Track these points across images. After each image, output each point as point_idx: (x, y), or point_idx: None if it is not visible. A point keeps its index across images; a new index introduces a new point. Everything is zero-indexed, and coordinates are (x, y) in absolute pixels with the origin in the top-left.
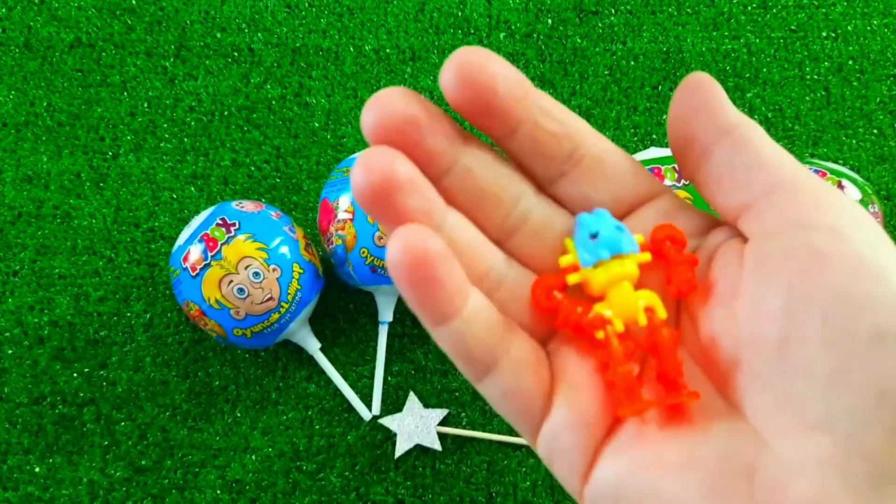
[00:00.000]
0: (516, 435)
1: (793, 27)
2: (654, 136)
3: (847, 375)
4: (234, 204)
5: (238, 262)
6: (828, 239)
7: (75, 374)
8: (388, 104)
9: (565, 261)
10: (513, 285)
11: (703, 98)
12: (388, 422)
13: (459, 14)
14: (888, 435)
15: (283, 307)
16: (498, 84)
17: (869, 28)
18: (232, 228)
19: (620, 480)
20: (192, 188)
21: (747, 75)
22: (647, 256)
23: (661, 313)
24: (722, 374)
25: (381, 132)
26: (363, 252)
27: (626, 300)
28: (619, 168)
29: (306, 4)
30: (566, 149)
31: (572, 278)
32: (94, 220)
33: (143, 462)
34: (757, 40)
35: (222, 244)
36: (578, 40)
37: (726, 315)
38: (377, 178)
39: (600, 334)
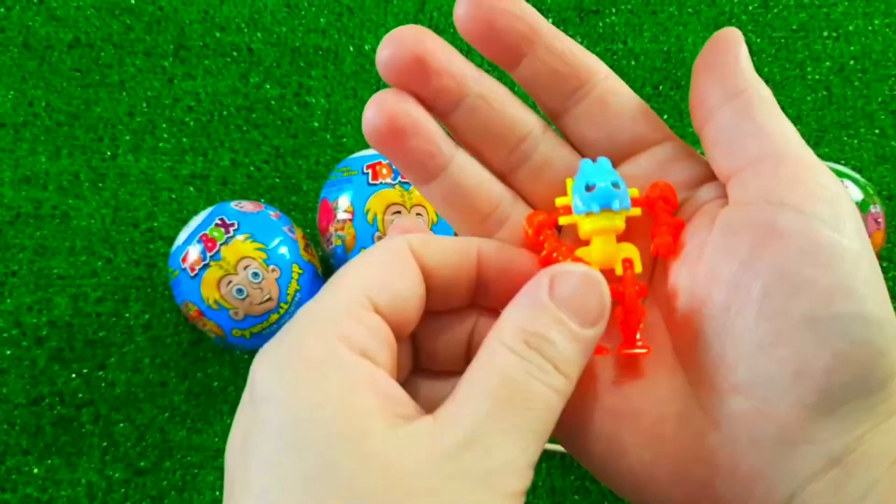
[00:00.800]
0: None
1: (794, 27)
2: None
3: (772, 349)
4: (233, 204)
5: (237, 262)
6: (790, 218)
7: (74, 375)
8: (401, 42)
9: (561, 201)
10: (514, 224)
11: (719, 58)
12: None
13: None
14: (798, 406)
15: (282, 308)
16: (502, 18)
17: (870, 28)
18: (231, 229)
19: (564, 423)
20: (191, 188)
21: None
22: (637, 212)
23: (637, 267)
24: (676, 330)
25: (394, 69)
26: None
27: (608, 250)
28: (622, 111)
29: (306, 4)
30: (570, 86)
31: (563, 220)
32: (92, 221)
33: (142, 463)
34: (758, 40)
35: (221, 244)
36: (579, 40)
37: (688, 275)
38: (385, 120)
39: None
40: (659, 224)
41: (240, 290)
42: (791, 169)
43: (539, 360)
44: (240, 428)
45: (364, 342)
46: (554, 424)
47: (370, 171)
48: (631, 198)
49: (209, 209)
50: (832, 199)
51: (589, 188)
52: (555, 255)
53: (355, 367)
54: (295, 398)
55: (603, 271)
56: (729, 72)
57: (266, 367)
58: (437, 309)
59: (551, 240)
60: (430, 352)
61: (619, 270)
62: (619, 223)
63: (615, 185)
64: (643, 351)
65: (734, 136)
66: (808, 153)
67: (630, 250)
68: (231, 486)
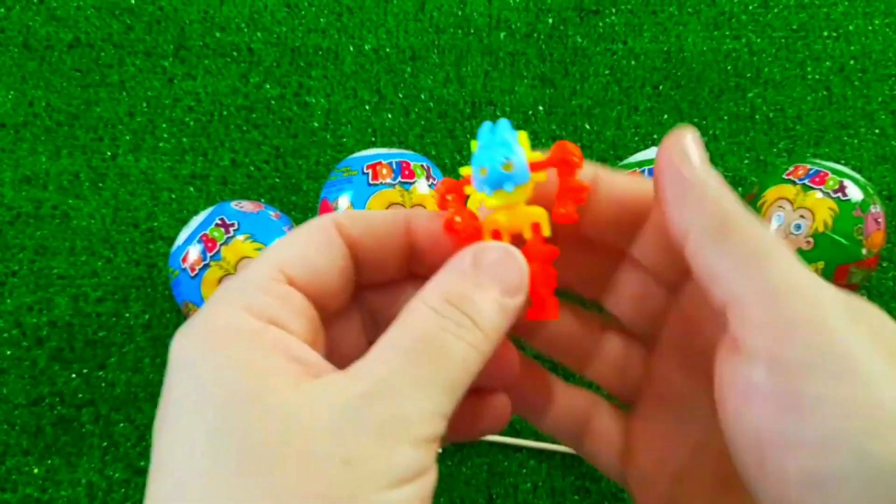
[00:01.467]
0: (517, 437)
1: (794, 27)
2: (654, 137)
3: None
4: (233, 204)
5: (237, 262)
6: (761, 373)
7: (74, 375)
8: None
9: (465, 171)
10: None
11: (670, 158)
12: None
13: (460, 13)
14: None
15: None
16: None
17: (870, 27)
18: (231, 229)
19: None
20: (191, 188)
21: (749, 75)
22: (542, 177)
23: (546, 231)
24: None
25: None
26: None
27: (516, 216)
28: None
29: (306, 4)
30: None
31: (468, 190)
32: (92, 221)
33: (142, 463)
34: (758, 40)
35: (221, 244)
36: (579, 40)
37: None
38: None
39: (488, 239)
40: (561, 190)
41: None
42: (758, 312)
43: (458, 315)
44: (160, 401)
45: (272, 312)
46: (470, 381)
47: (370, 171)
48: (533, 162)
49: (209, 209)
50: (808, 340)
51: (482, 170)
52: (457, 218)
53: (259, 333)
54: (199, 364)
55: (512, 237)
56: (690, 192)
57: (178, 340)
58: (374, 280)
59: (454, 203)
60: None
61: (527, 234)
62: (519, 198)
63: (507, 162)
64: (551, 316)
65: (715, 269)
66: (782, 260)
67: (539, 214)
68: (151, 457)
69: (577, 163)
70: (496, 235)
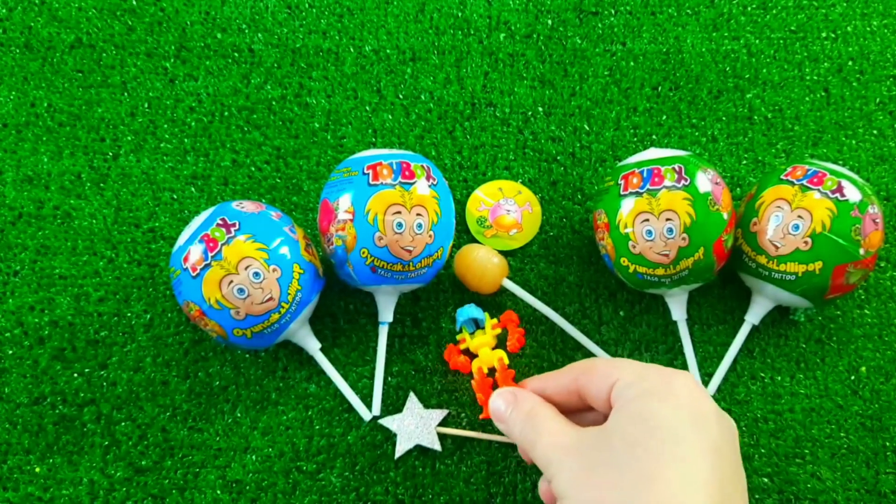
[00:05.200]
0: None
1: (792, 28)
2: (653, 137)
3: None
4: (234, 204)
5: (238, 262)
6: None
7: (75, 375)
8: None
9: (459, 337)
10: None
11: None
12: (388, 422)
13: (459, 15)
14: None
15: (283, 307)
16: None
17: (868, 29)
18: (232, 229)
19: None
20: (193, 188)
21: (747, 76)
22: (498, 331)
23: (506, 361)
24: None
25: None
26: (363, 252)
27: (488, 355)
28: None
29: (307, 5)
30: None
31: (463, 346)
32: (94, 221)
33: (144, 462)
34: (757, 41)
35: (222, 244)
36: (578, 41)
37: None
38: None
39: (475, 369)
40: (512, 334)
41: (241, 290)
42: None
43: None
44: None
45: None
46: None
47: (371, 171)
48: (492, 324)
49: (210, 209)
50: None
51: (475, 321)
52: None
53: None
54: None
55: (489, 367)
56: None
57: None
58: None
59: (460, 357)
60: None
61: (496, 364)
62: (492, 339)
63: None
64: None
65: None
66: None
67: (500, 354)
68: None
69: (518, 321)
70: (480, 371)
